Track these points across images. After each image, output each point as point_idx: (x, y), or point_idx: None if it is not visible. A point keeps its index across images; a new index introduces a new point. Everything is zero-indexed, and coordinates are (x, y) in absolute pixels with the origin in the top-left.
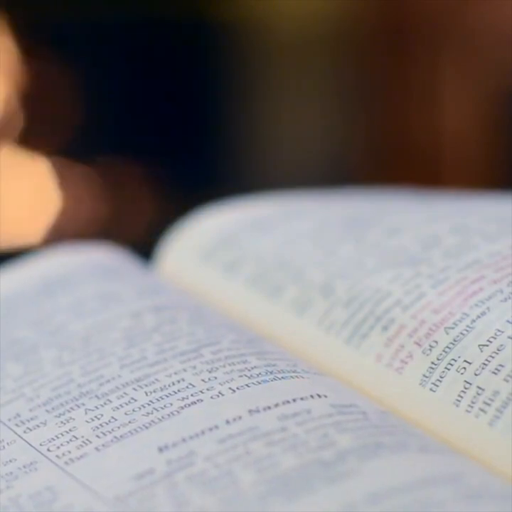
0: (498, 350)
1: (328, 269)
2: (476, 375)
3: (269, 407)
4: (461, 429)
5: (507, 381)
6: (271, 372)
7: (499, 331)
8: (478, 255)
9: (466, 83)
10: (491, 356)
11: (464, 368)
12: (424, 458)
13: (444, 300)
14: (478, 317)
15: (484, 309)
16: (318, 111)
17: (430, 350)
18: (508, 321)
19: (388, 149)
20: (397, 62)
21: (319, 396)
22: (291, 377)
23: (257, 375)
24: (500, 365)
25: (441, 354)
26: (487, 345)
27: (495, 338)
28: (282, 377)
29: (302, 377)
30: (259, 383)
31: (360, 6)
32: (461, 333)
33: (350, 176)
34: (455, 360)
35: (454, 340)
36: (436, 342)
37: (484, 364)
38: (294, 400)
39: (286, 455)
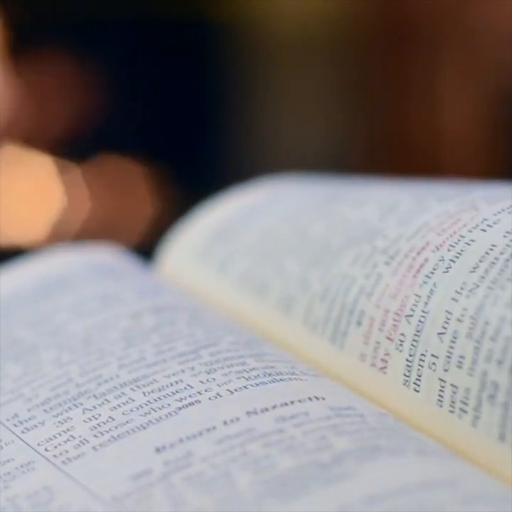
0: (454, 338)
1: (302, 256)
2: (445, 370)
3: (266, 409)
4: (450, 432)
5: (471, 375)
6: (269, 375)
7: (449, 312)
8: (427, 217)
9: (466, 83)
10: (450, 347)
11: (434, 364)
12: (421, 461)
13: (397, 279)
14: (429, 297)
15: (431, 286)
16: (318, 111)
17: (401, 345)
18: (453, 299)
19: (388, 149)
20: (397, 62)
21: (317, 398)
22: (290, 379)
23: (255, 377)
24: (461, 357)
25: (411, 349)
26: (444, 333)
27: (448, 323)
28: (280, 380)
29: (300, 380)
30: (257, 385)
31: (360, 6)
32: (420, 321)
33: (350, 175)
34: (424, 355)
35: (417, 331)
36: (403, 335)
37: (448, 357)
38: (292, 402)
39: (284, 456)
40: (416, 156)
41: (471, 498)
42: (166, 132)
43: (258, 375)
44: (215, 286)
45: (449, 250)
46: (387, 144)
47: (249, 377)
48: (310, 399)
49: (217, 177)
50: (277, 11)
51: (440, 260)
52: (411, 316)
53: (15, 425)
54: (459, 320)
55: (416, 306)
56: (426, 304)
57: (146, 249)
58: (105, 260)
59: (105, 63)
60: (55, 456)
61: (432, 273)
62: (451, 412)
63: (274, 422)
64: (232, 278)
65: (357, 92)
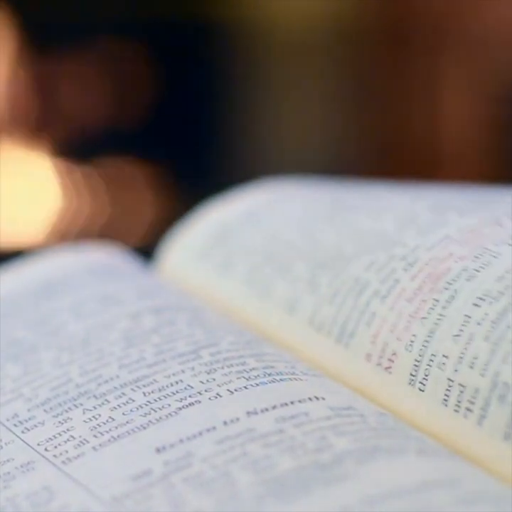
0: (470, 340)
1: (311, 259)
2: (455, 371)
3: (266, 409)
4: (454, 431)
5: (483, 376)
6: (269, 374)
7: (468, 316)
8: (448, 230)
9: (466, 83)
10: (464, 348)
11: (444, 364)
12: (421, 461)
13: (416, 286)
14: (448, 302)
15: (452, 292)
16: (318, 111)
17: (411, 345)
18: (474, 304)
19: (388, 149)
20: (397, 62)
21: (317, 398)
22: (290, 379)
23: (255, 377)
24: (474, 358)
25: (421, 349)
26: (459, 336)
27: (465, 326)
28: (280, 380)
29: (301, 379)
30: (257, 385)
31: (361, 6)
32: (435, 324)
33: (350, 175)
34: (434, 356)
35: (430, 333)
36: (414, 336)
37: (460, 357)
38: (292, 403)
39: (283, 457)
40: (415, 156)
41: (471, 498)
42: (166, 132)
43: (258, 375)
44: (217, 285)
45: (473, 261)
46: (387, 144)
47: (250, 378)
48: (310, 399)
49: (218, 177)
50: (277, 11)
51: (463, 270)
52: (426, 318)
53: (15, 425)
54: (478, 324)
55: (433, 309)
56: (444, 308)
57: (146, 249)
58: (105, 261)
59: (106, 64)
60: (55, 456)
61: (455, 280)
62: (456, 411)
63: (274, 422)
64: (235, 278)
65: (357, 92)
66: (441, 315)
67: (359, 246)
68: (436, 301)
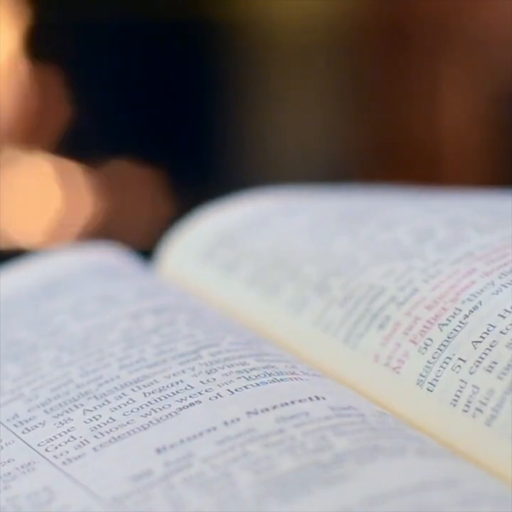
0: (491, 346)
1: (323, 265)
2: (471, 373)
3: (267, 409)
4: (460, 430)
5: (501, 379)
6: (269, 374)
7: (491, 325)
8: (469, 247)
9: (466, 83)
10: (484, 353)
11: (459, 366)
12: (421, 461)
13: (437, 295)
14: (471, 312)
15: (476, 303)
16: (318, 111)
17: (426, 348)
18: (499, 315)
19: (388, 149)
20: (397, 62)
21: (317, 398)
22: (290, 379)
23: (256, 377)
24: (494, 363)
25: (436, 352)
26: (480, 342)
27: (487, 334)
28: (281, 379)
29: (301, 379)
30: (258, 385)
31: (360, 6)
32: (455, 330)
33: (350, 176)
34: (450, 358)
35: (448, 338)
36: (431, 340)
37: (478, 361)
38: (292, 402)
39: (284, 457)
40: (416, 156)
41: (471, 498)
42: (165, 132)
43: (258, 375)
44: (220, 286)
45: (500, 278)
46: (387, 144)
47: (250, 378)
48: (310, 399)
49: (217, 176)
50: (277, 11)
51: (490, 284)
52: (445, 324)
53: (15, 425)
54: (502, 332)
55: (453, 317)
56: (466, 316)
57: (146, 249)
58: (105, 261)
59: (106, 63)
60: (55, 456)
61: (479, 293)
62: (465, 411)
63: (275, 422)
64: (240, 279)
65: (357, 92)
66: (462, 322)
67: (374, 255)
68: (459, 310)
